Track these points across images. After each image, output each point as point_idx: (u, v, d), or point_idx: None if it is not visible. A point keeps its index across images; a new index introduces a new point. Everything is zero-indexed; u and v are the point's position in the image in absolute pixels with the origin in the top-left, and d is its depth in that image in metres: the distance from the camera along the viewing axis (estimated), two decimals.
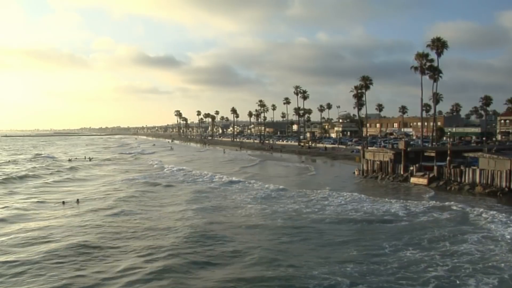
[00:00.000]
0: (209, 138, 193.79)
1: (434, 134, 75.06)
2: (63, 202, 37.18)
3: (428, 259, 20.53)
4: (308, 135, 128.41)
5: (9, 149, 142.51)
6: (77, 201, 37.73)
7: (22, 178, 56.11)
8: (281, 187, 44.14)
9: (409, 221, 29.16)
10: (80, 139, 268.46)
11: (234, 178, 52.19)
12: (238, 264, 20.27)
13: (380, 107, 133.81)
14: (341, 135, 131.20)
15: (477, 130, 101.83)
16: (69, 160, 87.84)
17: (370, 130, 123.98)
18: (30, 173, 60.78)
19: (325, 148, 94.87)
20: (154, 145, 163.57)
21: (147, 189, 44.83)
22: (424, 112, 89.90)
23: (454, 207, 33.26)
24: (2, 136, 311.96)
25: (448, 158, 45.73)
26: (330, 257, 20.99)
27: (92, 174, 62.64)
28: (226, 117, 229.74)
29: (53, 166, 73.49)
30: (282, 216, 30.50)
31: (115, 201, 37.11)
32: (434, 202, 35.63)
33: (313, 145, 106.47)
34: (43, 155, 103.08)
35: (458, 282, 17.81)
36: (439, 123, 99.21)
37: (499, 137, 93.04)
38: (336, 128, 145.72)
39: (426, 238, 24.45)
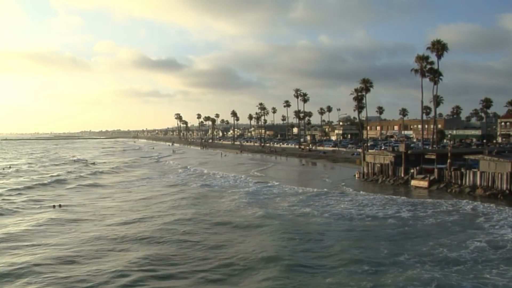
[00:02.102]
0: (210, 141, 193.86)
1: (434, 136, 74.97)
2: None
3: (429, 265, 20.44)
4: (308, 138, 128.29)
5: (32, 153, 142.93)
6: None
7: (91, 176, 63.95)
8: (315, 190, 44.85)
9: (413, 224, 29.27)
10: (88, 142, 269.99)
11: (268, 182, 52.51)
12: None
13: (380, 110, 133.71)
14: (341, 138, 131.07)
15: (478, 132, 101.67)
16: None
17: (371, 132, 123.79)
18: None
19: (324, 152, 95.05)
20: (153, 148, 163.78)
21: (204, 191, 46.63)
22: (424, 115, 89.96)
23: (459, 210, 33.43)
24: (2, 140, 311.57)
25: (448, 161, 45.71)
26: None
27: (141, 174, 67.03)
28: (227, 120, 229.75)
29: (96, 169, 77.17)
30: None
31: (191, 201, 39.82)
32: (436, 205, 35.68)
33: (313, 148, 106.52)
34: (78, 158, 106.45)
35: None
36: (439, 126, 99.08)
37: (499, 139, 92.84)
38: (336, 131, 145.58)
39: (430, 242, 24.44)
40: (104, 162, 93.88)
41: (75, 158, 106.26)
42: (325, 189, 45.18)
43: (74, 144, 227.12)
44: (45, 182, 55.93)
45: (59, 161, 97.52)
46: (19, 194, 45.78)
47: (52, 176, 63.32)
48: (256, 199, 40.31)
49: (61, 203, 39.07)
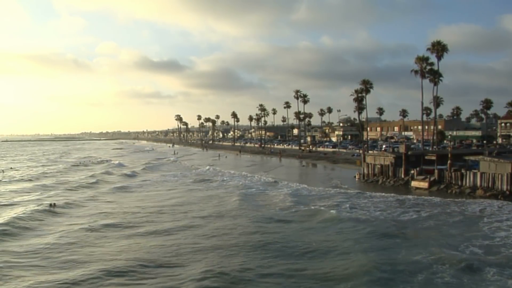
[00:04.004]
0: (210, 142, 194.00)
1: (434, 137, 75.02)
2: None
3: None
4: (308, 139, 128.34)
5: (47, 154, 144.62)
6: None
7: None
8: (353, 191, 45.39)
9: (414, 225, 29.41)
10: (94, 143, 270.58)
11: (293, 185, 51.84)
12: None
13: (381, 111, 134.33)
14: (341, 139, 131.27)
15: (478, 133, 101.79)
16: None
17: (371, 133, 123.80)
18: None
19: (325, 153, 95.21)
20: (152, 149, 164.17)
21: (244, 191, 46.59)
22: (424, 116, 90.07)
23: (460, 210, 33.47)
24: (3, 141, 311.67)
25: (449, 162, 45.73)
26: None
27: (171, 174, 68.78)
28: (227, 122, 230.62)
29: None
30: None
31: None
32: (437, 205, 35.77)
33: (313, 149, 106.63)
34: (106, 159, 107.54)
35: None
36: (439, 127, 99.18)
37: (500, 140, 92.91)
38: (336, 132, 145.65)
39: (431, 243, 24.44)
40: (123, 162, 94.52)
41: (102, 159, 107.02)
42: (355, 190, 45.45)
43: (82, 145, 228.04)
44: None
45: (87, 162, 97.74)
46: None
47: (102, 173, 67.55)
48: (302, 199, 40.63)
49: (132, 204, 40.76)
